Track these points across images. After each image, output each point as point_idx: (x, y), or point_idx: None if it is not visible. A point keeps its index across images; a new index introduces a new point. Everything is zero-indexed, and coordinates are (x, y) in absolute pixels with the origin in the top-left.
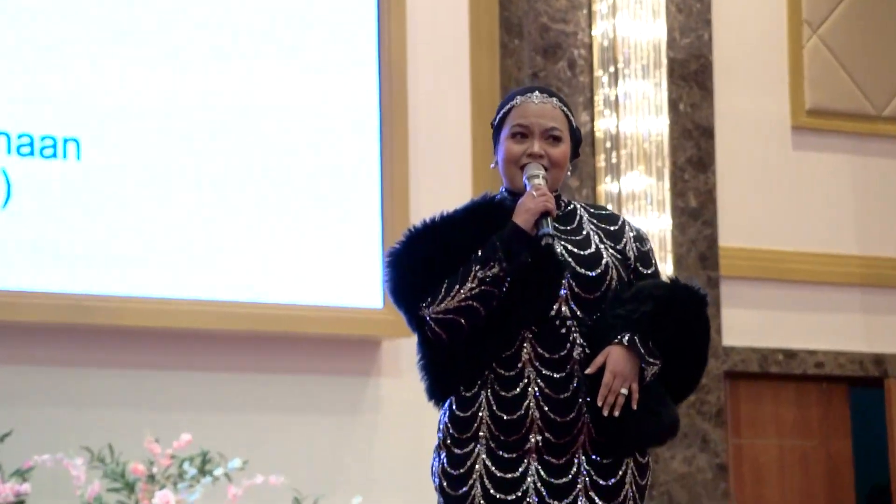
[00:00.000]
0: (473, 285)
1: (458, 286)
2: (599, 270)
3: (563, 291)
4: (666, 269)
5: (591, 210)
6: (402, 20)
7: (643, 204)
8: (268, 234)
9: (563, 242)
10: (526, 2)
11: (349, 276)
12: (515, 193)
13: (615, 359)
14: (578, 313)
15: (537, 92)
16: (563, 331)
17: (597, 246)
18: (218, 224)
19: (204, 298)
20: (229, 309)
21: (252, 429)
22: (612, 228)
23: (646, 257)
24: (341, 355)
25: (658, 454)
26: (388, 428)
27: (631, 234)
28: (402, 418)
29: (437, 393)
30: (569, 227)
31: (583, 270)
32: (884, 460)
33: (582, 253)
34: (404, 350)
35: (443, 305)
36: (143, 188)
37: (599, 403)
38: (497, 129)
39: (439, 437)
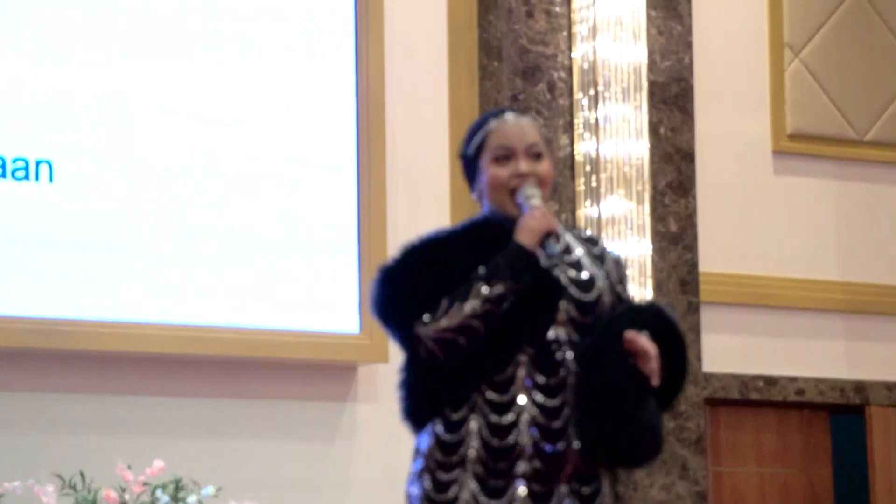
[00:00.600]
0: (476, 304)
1: (458, 304)
2: (595, 294)
3: (560, 315)
4: (646, 293)
5: (574, 232)
6: (379, 41)
7: (623, 228)
8: (244, 259)
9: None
10: (505, 24)
11: (326, 300)
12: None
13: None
14: (573, 338)
15: (508, 113)
16: (559, 356)
17: (590, 269)
18: (193, 248)
19: (178, 323)
20: (203, 333)
21: (226, 455)
22: (595, 251)
23: (624, 281)
24: (317, 380)
25: (637, 481)
26: (364, 454)
27: (611, 258)
28: (378, 444)
29: (418, 415)
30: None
31: (579, 295)
32: (864, 488)
33: (578, 277)
34: (381, 375)
35: (443, 324)
36: (116, 212)
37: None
38: (474, 157)
39: (420, 463)
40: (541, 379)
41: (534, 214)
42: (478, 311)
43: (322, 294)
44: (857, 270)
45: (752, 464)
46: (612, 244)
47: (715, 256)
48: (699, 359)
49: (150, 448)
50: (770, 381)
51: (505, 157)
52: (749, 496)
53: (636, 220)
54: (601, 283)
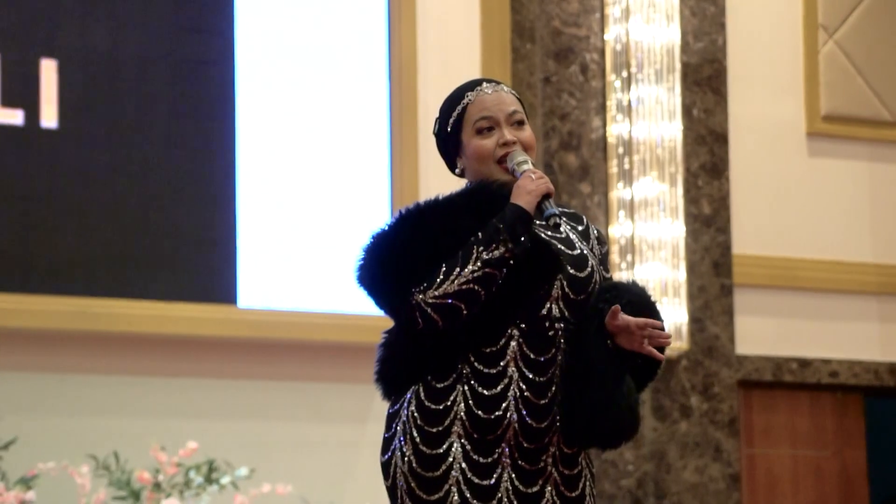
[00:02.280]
0: (476, 268)
1: (458, 269)
2: (588, 271)
3: (554, 291)
4: (679, 276)
5: (561, 210)
6: (412, 24)
7: (656, 210)
8: (278, 240)
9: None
10: (538, 6)
11: None
12: None
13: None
14: (566, 314)
15: (484, 83)
16: (551, 333)
17: (580, 246)
18: (228, 229)
19: (211, 304)
20: (237, 315)
21: (259, 437)
22: (580, 228)
23: (606, 260)
24: (350, 363)
25: (670, 464)
26: None
27: (594, 235)
28: None
29: (399, 381)
30: (548, 225)
31: (573, 271)
32: None
33: (571, 253)
34: None
35: (442, 289)
36: (149, 191)
37: (648, 346)
38: (453, 133)
39: (400, 431)
40: (532, 354)
41: (530, 176)
42: (478, 276)
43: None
44: (892, 253)
45: (785, 446)
46: (645, 226)
47: (748, 239)
48: (732, 341)
49: (184, 429)
50: (804, 363)
51: (488, 128)
52: (782, 478)
53: (669, 203)
54: (592, 260)
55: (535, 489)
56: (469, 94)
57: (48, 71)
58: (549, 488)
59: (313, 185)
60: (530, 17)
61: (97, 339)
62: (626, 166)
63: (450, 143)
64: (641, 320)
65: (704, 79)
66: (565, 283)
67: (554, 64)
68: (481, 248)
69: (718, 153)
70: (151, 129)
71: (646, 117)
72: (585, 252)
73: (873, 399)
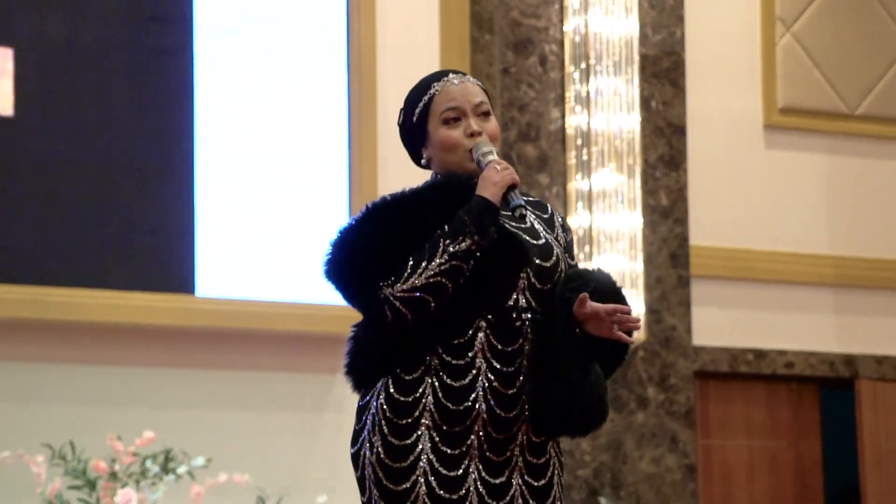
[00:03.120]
0: (443, 260)
1: (425, 262)
2: (553, 260)
3: (520, 282)
4: (637, 267)
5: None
6: (371, 14)
7: (614, 202)
8: (236, 230)
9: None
10: None
11: (316, 272)
12: None
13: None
14: (533, 304)
15: (451, 74)
16: (518, 323)
17: (545, 236)
18: (186, 218)
19: (167, 293)
20: (193, 304)
21: (216, 426)
22: (545, 216)
23: (571, 247)
24: (307, 352)
25: (626, 454)
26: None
27: (559, 223)
28: None
29: (370, 374)
30: (514, 216)
31: (539, 261)
32: (853, 462)
33: (536, 243)
34: None
35: (410, 283)
36: (106, 180)
37: (618, 331)
38: (419, 123)
39: (369, 422)
40: (499, 345)
41: (495, 167)
42: (445, 268)
43: (312, 265)
44: (848, 244)
45: (741, 437)
46: (603, 217)
47: (705, 230)
48: (689, 332)
49: (141, 419)
50: (760, 354)
51: (455, 118)
52: (738, 469)
53: (627, 194)
54: (557, 248)
55: (502, 479)
56: (436, 84)
57: (4, 59)
58: (517, 477)
59: (272, 175)
60: (489, 7)
61: (54, 328)
62: (585, 157)
63: (415, 134)
64: (610, 306)
65: (663, 71)
66: (531, 273)
67: (513, 55)
68: (448, 241)
69: (676, 145)
70: (109, 118)
71: (604, 109)
72: (550, 241)
73: (828, 390)
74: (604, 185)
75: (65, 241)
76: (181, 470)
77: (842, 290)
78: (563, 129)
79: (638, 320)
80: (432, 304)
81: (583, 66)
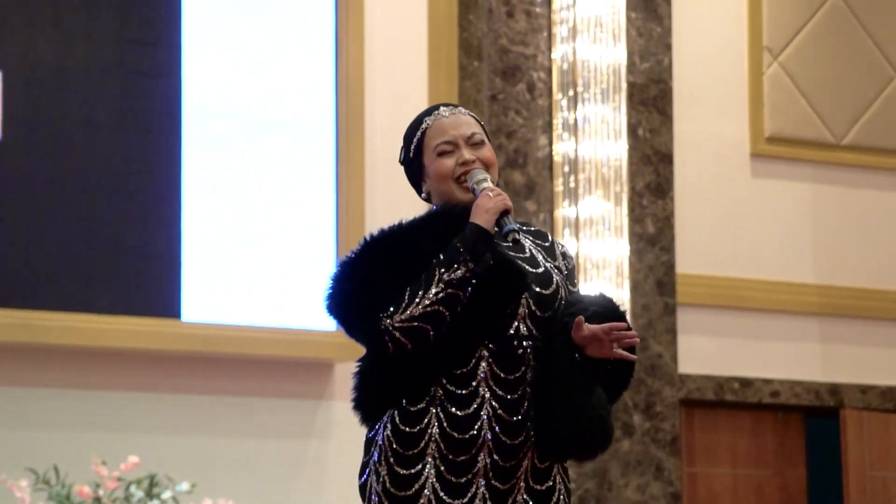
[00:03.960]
0: (439, 289)
1: (422, 292)
2: (553, 288)
3: (521, 310)
4: (623, 295)
5: (523, 228)
6: (360, 40)
7: (601, 229)
8: (221, 255)
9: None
10: (486, 24)
11: (302, 298)
12: None
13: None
14: (534, 332)
15: (441, 108)
16: (520, 351)
17: (544, 264)
18: (173, 243)
19: (153, 318)
20: (180, 329)
21: (201, 451)
22: (546, 245)
23: (573, 275)
24: (293, 378)
25: (611, 482)
26: (339, 452)
27: (560, 251)
28: (354, 442)
29: (374, 407)
30: (508, 241)
31: (538, 289)
32: (838, 491)
33: (535, 271)
34: None
35: (407, 313)
36: (93, 204)
37: (618, 347)
38: (415, 158)
39: (376, 454)
40: (502, 373)
41: (488, 195)
42: (441, 297)
43: (299, 292)
44: (833, 274)
45: (726, 465)
46: (590, 245)
47: (692, 258)
48: (675, 360)
49: (125, 444)
50: (745, 382)
51: (448, 151)
52: (723, 497)
53: (614, 221)
54: (557, 276)
55: None
56: (427, 119)
57: None
58: None
59: (259, 200)
60: (478, 34)
61: (39, 352)
62: (572, 185)
63: (413, 169)
64: (606, 325)
65: (650, 99)
66: (531, 301)
67: (501, 82)
68: (443, 270)
69: (663, 173)
70: (96, 141)
71: (591, 136)
72: (550, 269)
73: (814, 419)
74: (591, 213)
75: (50, 264)
76: (166, 495)
77: (827, 320)
78: (550, 156)
79: (636, 335)
80: (431, 333)
81: (570, 93)
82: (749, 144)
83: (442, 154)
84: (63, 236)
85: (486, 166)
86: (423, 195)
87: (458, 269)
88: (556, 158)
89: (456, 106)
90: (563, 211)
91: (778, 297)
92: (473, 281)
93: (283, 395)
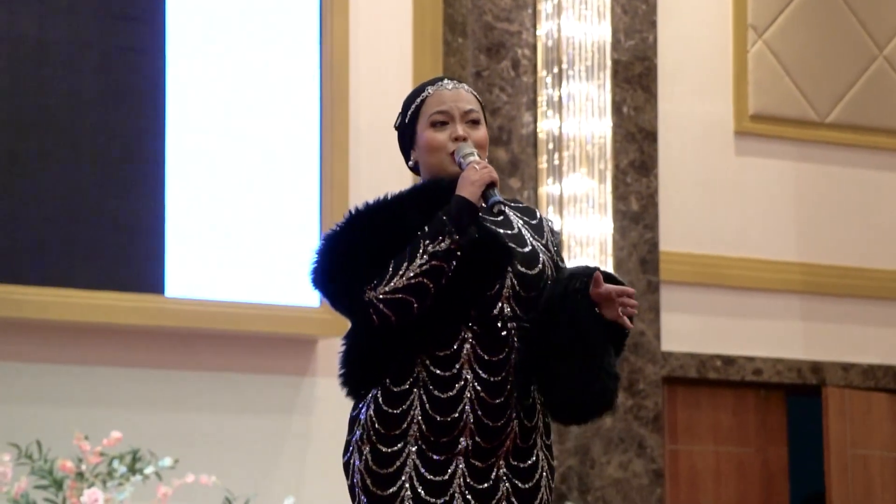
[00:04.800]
0: (423, 261)
1: (406, 264)
2: (538, 268)
3: (505, 290)
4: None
5: (511, 204)
6: (344, 16)
7: (585, 207)
8: (204, 231)
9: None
10: (470, 0)
11: (286, 274)
12: None
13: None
14: (518, 313)
15: (446, 80)
16: (504, 333)
17: (531, 243)
18: (156, 218)
19: (136, 293)
20: (162, 304)
21: (184, 427)
22: (533, 222)
23: (560, 251)
24: (276, 354)
25: (594, 459)
26: (322, 428)
27: (548, 228)
28: (336, 418)
29: (360, 382)
30: (500, 220)
31: (523, 269)
32: (819, 468)
33: (521, 250)
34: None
35: (391, 284)
36: (76, 179)
37: (622, 312)
38: (410, 125)
39: (359, 432)
40: (486, 355)
41: (474, 167)
42: (426, 269)
43: (282, 267)
44: (816, 252)
45: (708, 442)
46: (574, 222)
47: (675, 236)
48: (658, 337)
49: (108, 419)
50: (728, 360)
51: (442, 122)
52: (705, 474)
53: (598, 199)
54: (543, 256)
55: (487, 484)
56: (429, 88)
57: None
58: (503, 482)
59: (243, 175)
60: (462, 11)
61: (22, 327)
62: (556, 162)
63: (406, 135)
64: (620, 288)
65: (635, 76)
66: (515, 281)
67: (485, 58)
68: (428, 242)
69: (647, 150)
70: (79, 116)
71: (576, 114)
72: (537, 248)
73: (796, 397)
74: (575, 190)
75: (33, 239)
76: (148, 470)
77: (810, 298)
78: (534, 133)
79: (637, 305)
80: (415, 305)
81: (555, 70)
82: (733, 122)
83: (435, 125)
84: (46, 211)
85: (478, 146)
86: (409, 164)
87: (442, 240)
88: (541, 136)
89: (460, 81)
90: (548, 188)
91: (761, 276)
92: (458, 253)
93: (266, 371)
